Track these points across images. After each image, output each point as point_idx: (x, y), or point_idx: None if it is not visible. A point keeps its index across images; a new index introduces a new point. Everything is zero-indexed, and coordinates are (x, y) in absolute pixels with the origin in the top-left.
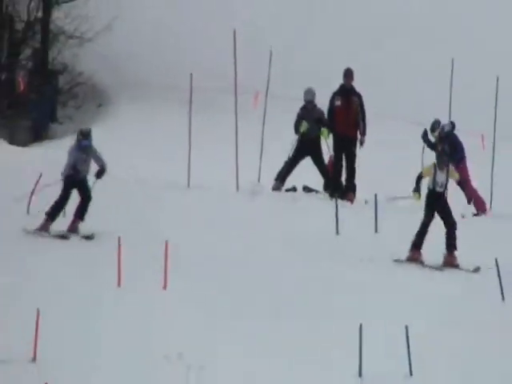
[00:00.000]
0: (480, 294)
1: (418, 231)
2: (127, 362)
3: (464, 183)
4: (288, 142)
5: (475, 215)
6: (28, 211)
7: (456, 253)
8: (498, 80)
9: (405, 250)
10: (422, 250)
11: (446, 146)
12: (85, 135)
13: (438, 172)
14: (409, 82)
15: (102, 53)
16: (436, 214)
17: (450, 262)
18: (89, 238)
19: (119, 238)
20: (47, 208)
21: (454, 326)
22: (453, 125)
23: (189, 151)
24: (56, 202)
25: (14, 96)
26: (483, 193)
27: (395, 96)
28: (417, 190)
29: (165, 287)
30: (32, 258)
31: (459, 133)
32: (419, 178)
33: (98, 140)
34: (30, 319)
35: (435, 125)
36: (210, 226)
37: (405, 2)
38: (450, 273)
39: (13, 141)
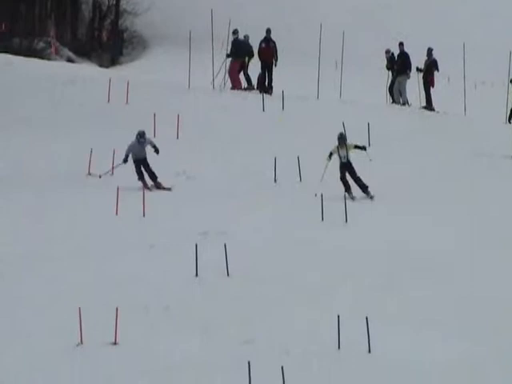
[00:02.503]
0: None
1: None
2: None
3: None
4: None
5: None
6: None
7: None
8: None
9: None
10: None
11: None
12: (141, 135)
13: (340, 149)
14: None
15: (144, 19)
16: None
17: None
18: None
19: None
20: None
21: None
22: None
23: (189, 71)
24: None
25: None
26: None
27: None
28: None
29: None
30: None
31: None
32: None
33: (142, 66)
34: None
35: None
36: (211, 106)
37: None
38: None
39: (100, 65)
